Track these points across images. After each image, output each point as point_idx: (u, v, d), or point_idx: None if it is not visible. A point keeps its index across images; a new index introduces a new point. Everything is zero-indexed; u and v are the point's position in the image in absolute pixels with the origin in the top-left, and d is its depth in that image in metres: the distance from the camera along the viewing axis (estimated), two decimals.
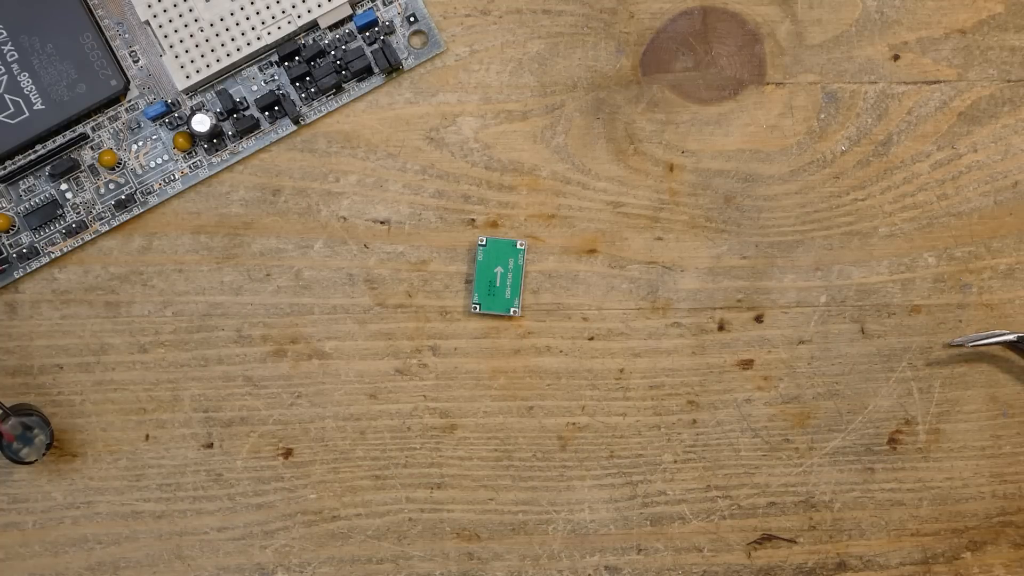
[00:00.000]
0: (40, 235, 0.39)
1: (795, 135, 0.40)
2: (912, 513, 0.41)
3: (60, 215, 0.39)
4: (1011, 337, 0.39)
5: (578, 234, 0.40)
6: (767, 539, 0.41)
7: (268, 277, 0.40)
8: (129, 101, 0.39)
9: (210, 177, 0.40)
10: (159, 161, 0.39)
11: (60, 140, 0.38)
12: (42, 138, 0.38)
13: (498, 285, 0.39)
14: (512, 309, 0.40)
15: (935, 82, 0.40)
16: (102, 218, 0.39)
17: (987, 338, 0.39)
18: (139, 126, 0.39)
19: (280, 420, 0.40)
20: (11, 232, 0.39)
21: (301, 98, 0.39)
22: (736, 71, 0.40)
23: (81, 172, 0.39)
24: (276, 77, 0.39)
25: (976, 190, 0.40)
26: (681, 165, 0.40)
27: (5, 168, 0.38)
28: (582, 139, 0.40)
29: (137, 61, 0.39)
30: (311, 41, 0.39)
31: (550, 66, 0.40)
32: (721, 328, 0.40)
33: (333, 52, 0.39)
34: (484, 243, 0.39)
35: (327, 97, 0.39)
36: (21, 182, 0.39)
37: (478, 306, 0.39)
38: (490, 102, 0.40)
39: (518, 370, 0.40)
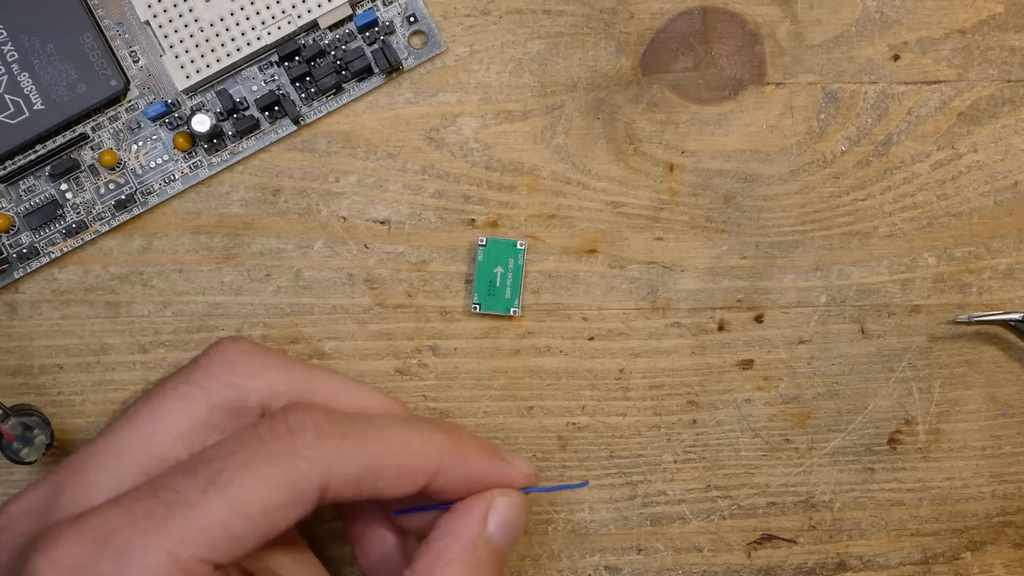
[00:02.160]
0: (40, 235, 0.39)
1: (795, 135, 0.40)
2: (912, 513, 0.41)
3: (60, 215, 0.39)
4: (1016, 316, 0.39)
5: (578, 234, 0.40)
6: (767, 539, 0.41)
7: (268, 277, 0.40)
8: (129, 101, 0.39)
9: (210, 177, 0.40)
10: (159, 161, 0.39)
11: (60, 140, 0.38)
12: (42, 138, 0.38)
13: (498, 285, 0.39)
14: (512, 309, 0.40)
15: (935, 82, 0.40)
16: (102, 218, 0.39)
17: (991, 315, 0.39)
18: (139, 126, 0.39)
19: None
20: (11, 232, 0.39)
21: (301, 98, 0.39)
22: (736, 71, 0.40)
23: (81, 172, 0.39)
24: (276, 77, 0.39)
25: (976, 190, 0.40)
26: (681, 165, 0.40)
27: (5, 168, 0.38)
28: (582, 139, 0.40)
29: (137, 61, 0.39)
30: (311, 41, 0.39)
31: (550, 66, 0.40)
32: (721, 328, 0.40)
33: (333, 52, 0.39)
34: (484, 243, 0.39)
35: (327, 97, 0.39)
36: (21, 182, 0.39)
37: (478, 306, 0.39)
38: (490, 102, 0.40)
39: (518, 370, 0.40)
